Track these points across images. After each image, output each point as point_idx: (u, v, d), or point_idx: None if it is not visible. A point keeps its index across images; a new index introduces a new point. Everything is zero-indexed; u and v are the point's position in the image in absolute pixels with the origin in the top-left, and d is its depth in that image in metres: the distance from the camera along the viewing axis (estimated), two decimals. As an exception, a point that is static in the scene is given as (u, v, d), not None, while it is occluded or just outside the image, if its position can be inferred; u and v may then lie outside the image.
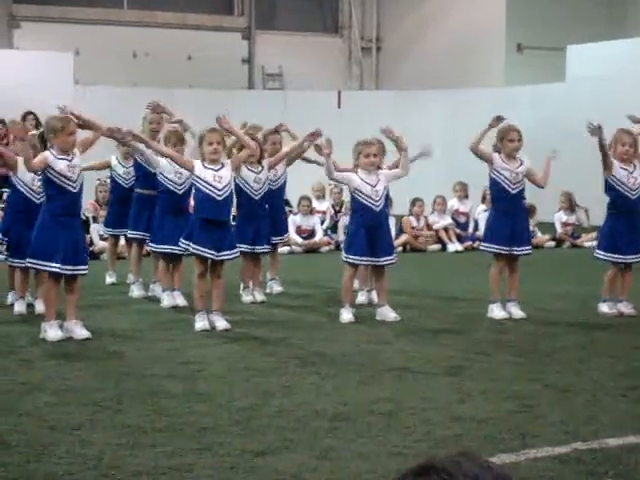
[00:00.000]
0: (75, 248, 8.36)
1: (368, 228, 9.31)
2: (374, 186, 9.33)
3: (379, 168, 9.60)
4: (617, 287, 9.80)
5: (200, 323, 8.84)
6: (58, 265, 8.29)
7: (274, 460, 5.09)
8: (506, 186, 9.54)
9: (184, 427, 5.68)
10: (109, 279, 11.91)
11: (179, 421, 5.81)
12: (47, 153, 8.34)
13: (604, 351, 7.99)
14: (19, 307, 9.71)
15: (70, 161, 8.33)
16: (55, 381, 6.82)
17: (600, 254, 9.80)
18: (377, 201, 9.34)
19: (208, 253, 8.90)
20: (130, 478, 4.80)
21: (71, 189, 8.34)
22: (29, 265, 8.69)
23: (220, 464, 5.01)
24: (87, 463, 5.01)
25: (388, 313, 9.40)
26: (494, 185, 9.67)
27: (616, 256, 9.67)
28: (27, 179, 9.53)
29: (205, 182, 8.89)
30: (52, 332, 8.30)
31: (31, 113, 15.69)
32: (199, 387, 6.68)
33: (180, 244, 9.30)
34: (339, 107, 22.84)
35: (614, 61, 19.15)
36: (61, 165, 8.28)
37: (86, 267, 8.47)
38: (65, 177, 8.29)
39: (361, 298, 10.53)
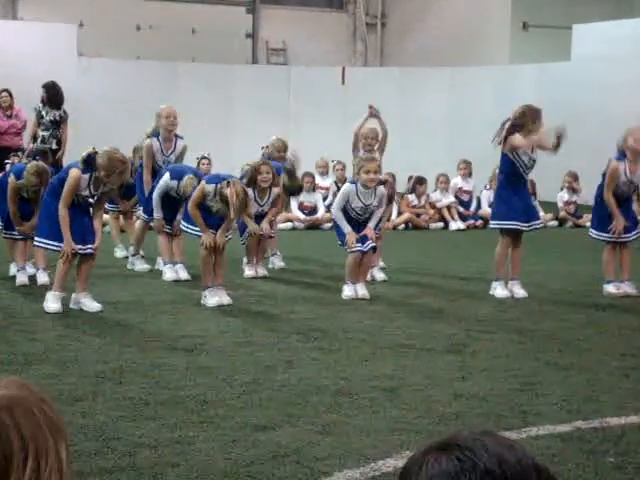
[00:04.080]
0: (83, 229, 8.44)
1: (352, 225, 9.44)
2: (367, 205, 9.44)
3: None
4: (617, 267, 9.78)
5: (213, 299, 8.82)
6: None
7: (275, 434, 5.10)
8: (521, 170, 9.48)
9: (186, 400, 5.69)
10: (120, 253, 11.86)
11: (181, 394, 5.82)
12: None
13: (606, 331, 7.98)
14: (21, 278, 9.71)
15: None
16: (57, 353, 6.83)
17: (593, 233, 9.86)
18: (363, 216, 9.47)
19: (209, 233, 9.03)
20: (132, 450, 4.81)
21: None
22: (40, 245, 8.78)
23: (221, 437, 5.02)
24: (89, 434, 5.02)
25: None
26: (509, 166, 9.50)
27: (607, 235, 9.68)
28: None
29: None
30: (52, 303, 8.33)
31: (5, 90, 15.61)
32: (201, 361, 6.69)
33: (182, 227, 9.70)
34: (343, 83, 22.73)
35: (620, 41, 19.05)
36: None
37: (94, 246, 8.50)
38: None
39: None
